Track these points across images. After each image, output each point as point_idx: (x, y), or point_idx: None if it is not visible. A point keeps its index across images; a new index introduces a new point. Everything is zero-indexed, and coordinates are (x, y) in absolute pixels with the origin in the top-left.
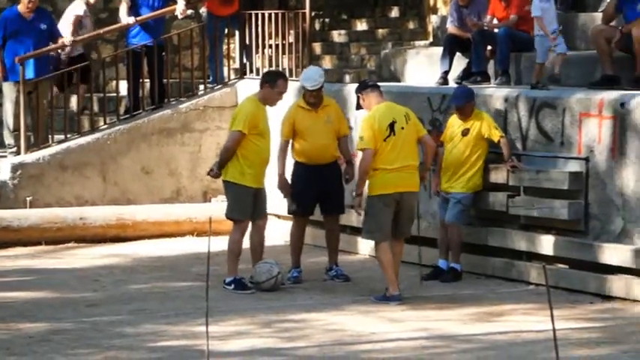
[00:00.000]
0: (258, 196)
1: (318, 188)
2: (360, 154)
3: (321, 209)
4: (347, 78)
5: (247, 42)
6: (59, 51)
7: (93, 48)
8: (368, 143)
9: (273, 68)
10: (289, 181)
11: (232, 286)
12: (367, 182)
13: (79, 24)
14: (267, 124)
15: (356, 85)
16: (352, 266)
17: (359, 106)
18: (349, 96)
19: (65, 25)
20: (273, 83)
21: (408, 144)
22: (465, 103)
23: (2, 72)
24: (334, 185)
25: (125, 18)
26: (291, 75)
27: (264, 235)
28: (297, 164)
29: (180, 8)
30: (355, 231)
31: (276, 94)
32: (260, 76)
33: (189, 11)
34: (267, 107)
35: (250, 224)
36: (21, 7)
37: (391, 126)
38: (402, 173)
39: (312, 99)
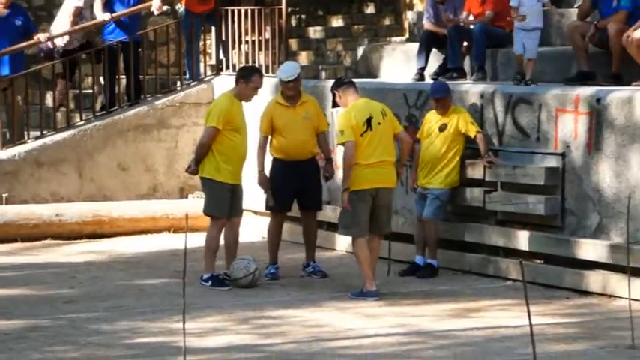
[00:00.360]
0: (234, 193)
1: (295, 185)
2: (339, 150)
3: (298, 206)
4: (323, 74)
5: (224, 38)
6: (53, 44)
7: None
8: (349, 136)
9: (250, 64)
10: (268, 177)
11: (209, 282)
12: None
13: (79, 15)
14: (242, 119)
15: (332, 81)
16: (329, 262)
17: (335, 104)
18: (326, 92)
19: (64, 17)
20: (247, 79)
21: (385, 140)
22: (444, 95)
23: None
24: (312, 182)
25: (100, 14)
26: (267, 71)
27: (238, 232)
28: (275, 161)
29: (156, 4)
30: (332, 227)
31: (250, 90)
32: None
33: (165, 7)
34: (245, 103)
35: (226, 221)
36: None
37: (368, 121)
38: (378, 169)
39: (290, 91)
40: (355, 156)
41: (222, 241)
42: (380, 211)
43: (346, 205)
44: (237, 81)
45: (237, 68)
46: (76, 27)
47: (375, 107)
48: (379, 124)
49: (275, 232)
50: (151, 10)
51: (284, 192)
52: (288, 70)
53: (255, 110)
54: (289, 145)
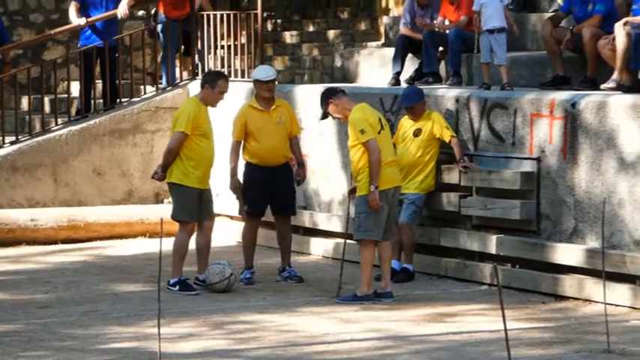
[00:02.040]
0: (203, 197)
1: (269, 189)
2: (320, 153)
3: (272, 211)
4: (299, 79)
5: (199, 43)
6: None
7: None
8: (370, 134)
9: (216, 69)
10: (241, 181)
11: (177, 287)
12: (360, 180)
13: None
14: (209, 124)
15: (307, 86)
16: (305, 267)
17: (325, 115)
18: (301, 97)
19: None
20: (213, 83)
21: (390, 140)
22: (414, 103)
23: None
24: (285, 187)
25: (75, 19)
26: (243, 76)
27: (210, 236)
28: (248, 165)
29: (121, 10)
30: (309, 232)
31: (216, 94)
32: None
33: (140, 12)
34: (215, 108)
35: (197, 226)
36: None
37: (379, 120)
38: (393, 168)
39: (267, 93)
40: None
41: (192, 246)
42: (392, 212)
43: (377, 204)
44: (202, 86)
45: None
46: (51, 32)
47: (376, 111)
48: (385, 125)
49: (249, 237)
50: (117, 16)
51: (257, 197)
52: (266, 70)
53: (226, 115)
54: (263, 149)
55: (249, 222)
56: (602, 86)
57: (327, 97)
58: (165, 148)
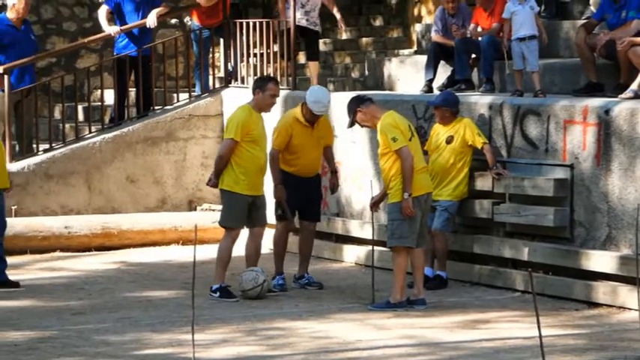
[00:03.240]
0: (254, 204)
1: (301, 197)
2: (347, 161)
3: (300, 216)
4: (331, 86)
5: (232, 51)
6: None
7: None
8: (403, 141)
9: (258, 77)
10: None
11: (218, 293)
12: (392, 187)
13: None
14: (262, 131)
15: (341, 94)
16: (337, 274)
17: (352, 124)
18: (333, 104)
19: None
20: (263, 87)
21: (420, 146)
22: (438, 104)
23: None
24: (316, 195)
25: (107, 27)
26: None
27: (260, 242)
28: (283, 172)
29: (150, 20)
30: (342, 239)
31: (268, 98)
32: (251, 84)
33: (174, 20)
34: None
35: (248, 231)
36: (11, 16)
37: (409, 127)
38: (425, 174)
39: (316, 118)
40: None
41: (237, 252)
42: (424, 218)
43: (411, 211)
44: (253, 92)
45: (245, 81)
46: (84, 40)
47: (405, 119)
48: (415, 132)
49: (281, 243)
50: (147, 25)
51: (291, 203)
52: (322, 101)
53: (268, 120)
54: (301, 164)
55: (282, 227)
56: (620, 96)
57: (355, 106)
58: (216, 155)
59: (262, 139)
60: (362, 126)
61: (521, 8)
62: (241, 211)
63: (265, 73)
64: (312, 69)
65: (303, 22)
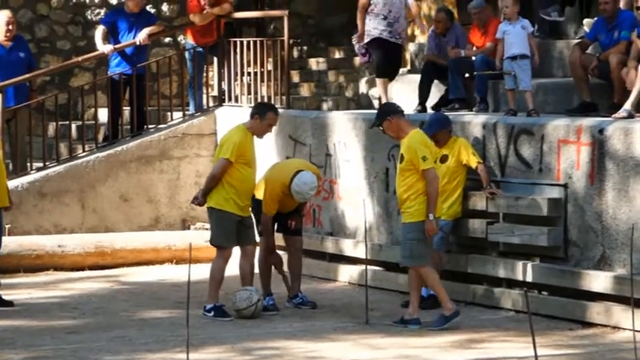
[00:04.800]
0: (242, 223)
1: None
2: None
3: (284, 232)
4: (325, 106)
5: (226, 70)
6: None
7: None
8: (431, 162)
9: (252, 96)
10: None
11: (212, 312)
12: (410, 207)
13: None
14: (253, 153)
15: (334, 112)
16: (332, 294)
17: (378, 125)
18: (328, 123)
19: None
20: (262, 115)
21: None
22: (435, 131)
23: None
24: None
25: (101, 46)
26: (269, 102)
27: (254, 261)
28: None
29: (141, 36)
30: (335, 259)
31: (265, 127)
32: (244, 103)
33: (168, 39)
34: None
35: (240, 250)
36: None
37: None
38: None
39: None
40: None
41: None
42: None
43: (436, 232)
44: (251, 116)
45: (239, 99)
46: (78, 58)
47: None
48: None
49: (265, 262)
50: (137, 42)
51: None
52: (304, 192)
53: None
54: None
55: (262, 246)
56: (614, 116)
57: (386, 114)
58: (208, 174)
59: (254, 162)
60: (384, 132)
61: (512, 28)
62: (232, 230)
63: (259, 92)
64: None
65: (385, 35)
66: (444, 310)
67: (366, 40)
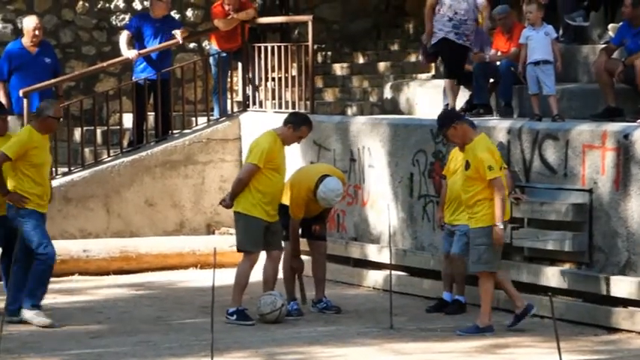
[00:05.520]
0: (269, 229)
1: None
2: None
3: (308, 236)
4: (349, 111)
5: (250, 75)
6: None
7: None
8: (497, 171)
9: (276, 101)
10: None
11: (234, 316)
12: (478, 212)
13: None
14: (283, 159)
15: (358, 117)
16: (355, 299)
17: (443, 136)
18: (352, 128)
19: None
20: (296, 127)
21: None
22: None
23: (8, 105)
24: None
25: (126, 51)
26: (293, 107)
27: (278, 267)
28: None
29: (178, 35)
30: (360, 264)
31: (295, 137)
32: (269, 108)
33: (192, 44)
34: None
35: (266, 255)
36: (25, 41)
37: (500, 155)
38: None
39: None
40: None
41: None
42: None
43: (502, 240)
44: (285, 124)
45: (264, 104)
46: (103, 64)
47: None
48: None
49: (289, 268)
50: (179, 41)
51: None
52: (329, 198)
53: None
54: None
55: (287, 251)
56: (639, 121)
57: (450, 120)
58: (235, 178)
59: (283, 168)
60: (449, 140)
61: (536, 34)
62: (258, 235)
63: (283, 97)
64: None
65: (452, 36)
66: (480, 320)
67: (433, 40)
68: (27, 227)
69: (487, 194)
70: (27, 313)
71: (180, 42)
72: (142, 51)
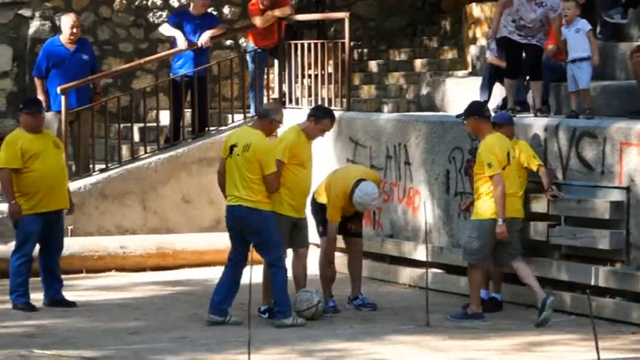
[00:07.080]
0: (296, 225)
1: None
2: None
3: (344, 234)
4: (385, 108)
5: (287, 72)
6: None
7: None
8: (497, 168)
9: (312, 98)
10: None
11: (267, 314)
12: (477, 206)
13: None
14: (308, 154)
15: (394, 114)
16: (391, 296)
17: (463, 118)
18: (388, 125)
19: None
20: (318, 120)
21: (516, 172)
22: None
23: (46, 102)
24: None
25: (172, 32)
26: (330, 104)
27: (306, 263)
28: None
29: (203, 39)
30: (395, 261)
31: (317, 131)
32: (305, 106)
33: (229, 42)
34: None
35: (292, 253)
36: (63, 38)
37: (508, 155)
38: (513, 199)
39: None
40: None
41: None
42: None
43: (506, 235)
44: (308, 117)
45: (300, 102)
46: (140, 61)
47: (509, 143)
48: (514, 157)
49: (325, 265)
50: (198, 45)
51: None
52: (365, 202)
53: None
54: None
55: (323, 248)
56: None
57: (472, 112)
58: None
59: (309, 162)
60: (465, 127)
61: (568, 32)
62: (285, 232)
63: (319, 94)
64: (534, 89)
65: (516, 37)
66: (469, 308)
67: (497, 35)
68: None
69: (487, 190)
70: None
71: (203, 46)
72: (188, 46)
